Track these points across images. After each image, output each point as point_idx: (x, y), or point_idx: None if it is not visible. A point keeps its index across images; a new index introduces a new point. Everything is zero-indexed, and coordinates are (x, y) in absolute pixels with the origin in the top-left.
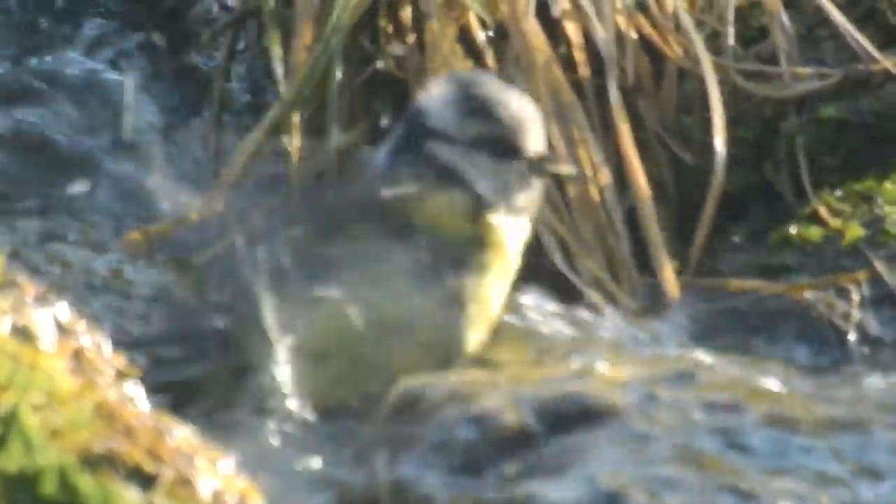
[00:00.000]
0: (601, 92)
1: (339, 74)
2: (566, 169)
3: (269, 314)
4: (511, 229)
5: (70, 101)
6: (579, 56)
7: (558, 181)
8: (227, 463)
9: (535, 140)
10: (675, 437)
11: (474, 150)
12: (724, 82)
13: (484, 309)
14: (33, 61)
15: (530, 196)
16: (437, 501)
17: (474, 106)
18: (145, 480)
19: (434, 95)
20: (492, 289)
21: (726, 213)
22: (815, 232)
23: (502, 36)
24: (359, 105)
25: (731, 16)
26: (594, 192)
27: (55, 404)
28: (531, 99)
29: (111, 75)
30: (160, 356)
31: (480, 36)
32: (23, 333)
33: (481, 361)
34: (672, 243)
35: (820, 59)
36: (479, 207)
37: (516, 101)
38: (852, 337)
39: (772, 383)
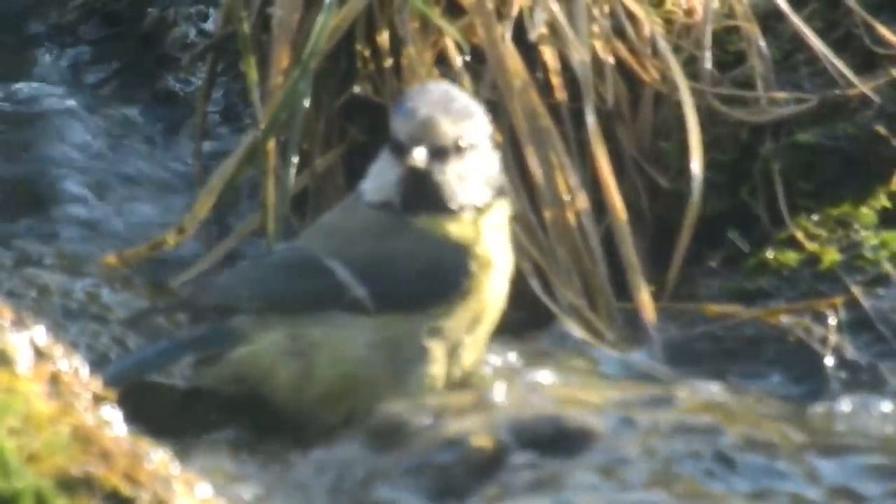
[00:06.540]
0: (578, 116)
1: (307, 101)
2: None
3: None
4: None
5: (48, 127)
6: (556, 81)
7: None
8: (204, 487)
9: (421, 137)
10: (653, 461)
11: (387, 153)
12: (700, 107)
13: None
14: (10, 88)
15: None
16: None
17: (399, 111)
18: None
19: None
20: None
21: (703, 237)
22: (791, 256)
23: (479, 60)
24: (335, 129)
25: (708, 41)
26: (571, 217)
27: (32, 428)
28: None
29: (89, 101)
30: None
31: (457, 60)
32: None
33: (460, 385)
34: (649, 268)
35: (797, 83)
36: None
37: (426, 102)
38: (829, 361)
39: (749, 407)
